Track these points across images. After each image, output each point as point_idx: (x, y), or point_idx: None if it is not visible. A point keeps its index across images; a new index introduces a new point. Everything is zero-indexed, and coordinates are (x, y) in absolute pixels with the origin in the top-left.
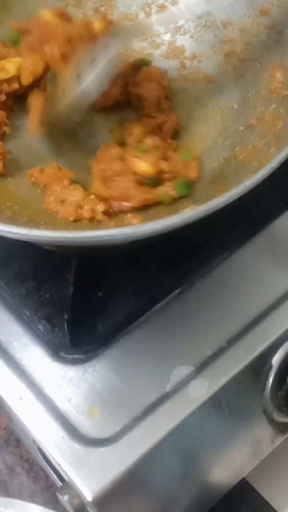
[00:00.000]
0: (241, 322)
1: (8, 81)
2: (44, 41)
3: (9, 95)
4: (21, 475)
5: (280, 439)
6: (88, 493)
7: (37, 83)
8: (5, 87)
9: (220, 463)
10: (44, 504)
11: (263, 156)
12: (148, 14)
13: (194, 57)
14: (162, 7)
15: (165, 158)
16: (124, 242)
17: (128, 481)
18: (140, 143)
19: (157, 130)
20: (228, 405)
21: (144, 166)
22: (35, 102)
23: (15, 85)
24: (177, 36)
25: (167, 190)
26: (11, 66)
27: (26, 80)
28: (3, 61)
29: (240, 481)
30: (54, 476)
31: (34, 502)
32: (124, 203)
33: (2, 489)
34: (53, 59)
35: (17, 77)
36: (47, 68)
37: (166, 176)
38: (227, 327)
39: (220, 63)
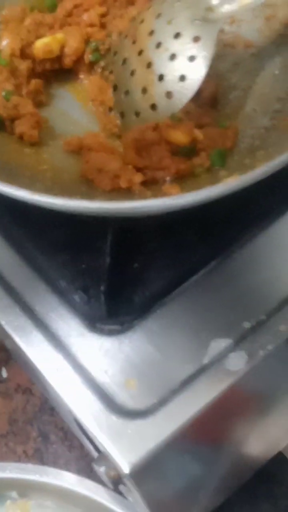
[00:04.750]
0: (280, 294)
1: (51, 59)
2: (81, 7)
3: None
4: (56, 443)
5: None
6: (125, 465)
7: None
8: (48, 65)
9: (257, 436)
10: (78, 472)
11: None
12: None
13: (233, 21)
14: None
15: (200, 126)
16: (163, 213)
17: (165, 454)
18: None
19: (195, 97)
20: (266, 378)
21: (178, 135)
22: (94, 89)
23: (56, 65)
24: None
25: (202, 160)
26: (56, 45)
27: (69, 62)
28: (49, 40)
29: (277, 454)
30: (90, 447)
31: (69, 470)
32: (158, 173)
33: (37, 457)
34: (93, 29)
35: (59, 56)
36: (87, 40)
37: (201, 145)
38: (266, 300)
39: (260, 28)
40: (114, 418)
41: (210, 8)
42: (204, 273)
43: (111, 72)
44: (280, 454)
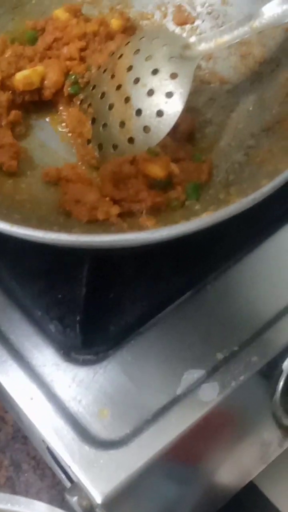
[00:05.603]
0: (253, 326)
1: (31, 91)
2: (61, 40)
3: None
4: (28, 472)
5: None
6: (98, 496)
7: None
8: (28, 97)
9: (229, 465)
10: (50, 501)
11: (279, 160)
12: (164, 14)
13: (210, 58)
14: (178, 7)
15: (176, 160)
16: (138, 245)
17: (138, 484)
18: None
19: (171, 132)
20: (238, 408)
21: (155, 168)
22: (72, 121)
23: (35, 97)
24: (193, 37)
25: (178, 193)
26: (36, 78)
27: (48, 94)
28: (29, 72)
29: (248, 484)
30: (63, 477)
31: (41, 499)
32: (134, 205)
33: (8, 486)
34: (72, 62)
35: (38, 88)
36: (67, 73)
37: (177, 179)
38: (238, 331)
39: (236, 65)
40: (87, 448)
41: (187, 46)
42: (178, 304)
43: (89, 105)
44: (251, 483)
